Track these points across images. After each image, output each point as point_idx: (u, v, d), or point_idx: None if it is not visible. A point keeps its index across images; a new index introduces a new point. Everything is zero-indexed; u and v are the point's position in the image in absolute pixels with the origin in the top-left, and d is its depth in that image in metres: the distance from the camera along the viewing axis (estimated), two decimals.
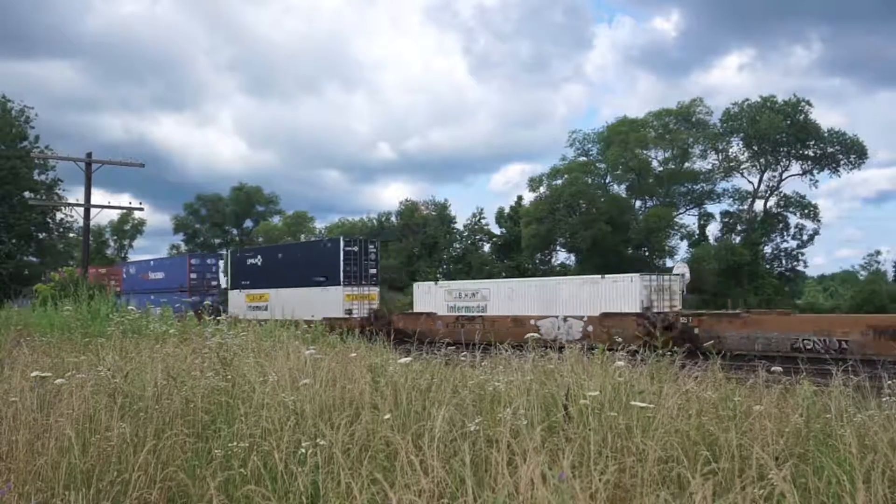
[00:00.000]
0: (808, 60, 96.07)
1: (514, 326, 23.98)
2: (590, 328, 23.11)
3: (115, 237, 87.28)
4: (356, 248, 32.83)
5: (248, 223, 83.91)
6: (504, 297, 28.06)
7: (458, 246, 69.31)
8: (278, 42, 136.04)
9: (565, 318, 24.10)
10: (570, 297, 25.62)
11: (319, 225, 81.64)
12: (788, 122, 51.72)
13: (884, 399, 4.71)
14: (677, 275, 25.99)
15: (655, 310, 22.99)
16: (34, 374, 5.36)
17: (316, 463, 3.58)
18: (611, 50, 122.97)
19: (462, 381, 5.22)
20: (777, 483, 2.89)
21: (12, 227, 50.27)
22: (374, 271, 33.33)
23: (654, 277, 24.92)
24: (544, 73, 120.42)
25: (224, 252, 54.15)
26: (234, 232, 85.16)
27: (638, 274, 25.09)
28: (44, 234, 55.66)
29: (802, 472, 3.51)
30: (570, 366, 5.30)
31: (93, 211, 32.20)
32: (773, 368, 5.70)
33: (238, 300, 37.63)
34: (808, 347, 15.17)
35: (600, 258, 54.29)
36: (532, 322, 24.70)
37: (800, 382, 4.89)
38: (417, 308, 31.11)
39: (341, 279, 31.95)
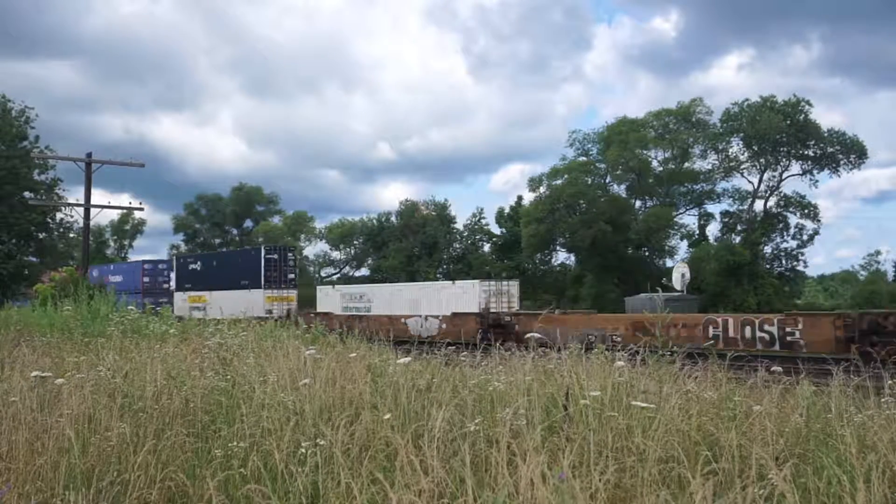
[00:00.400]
0: (807, 60, 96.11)
1: (389, 324, 27.48)
2: (443, 325, 26.86)
3: (115, 237, 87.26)
4: (276, 256, 37.14)
5: (248, 223, 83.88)
6: (383, 299, 33.33)
7: (458, 246, 69.28)
8: (278, 42, 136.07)
9: (426, 318, 27.99)
10: (430, 300, 30.81)
11: (319, 225, 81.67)
12: (788, 122, 51.69)
13: (884, 399, 4.71)
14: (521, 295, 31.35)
15: (493, 310, 27.63)
16: (34, 373, 5.36)
17: (316, 463, 3.58)
18: (610, 50, 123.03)
19: (462, 380, 5.21)
20: (777, 483, 2.89)
21: (12, 227, 50.18)
22: (292, 276, 37.92)
23: (492, 283, 30.56)
24: (544, 73, 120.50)
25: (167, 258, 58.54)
26: (234, 232, 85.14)
27: (478, 280, 31.14)
28: (44, 234, 55.55)
29: (802, 472, 3.51)
30: (569, 366, 5.30)
31: (93, 211, 32.24)
32: (773, 368, 5.71)
33: (181, 301, 40.87)
34: (592, 340, 19.22)
35: (600, 258, 54.27)
36: (402, 321, 28.48)
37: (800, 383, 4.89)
38: (320, 308, 36.14)
39: (262, 283, 36.21)
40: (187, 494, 3.80)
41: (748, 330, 18.27)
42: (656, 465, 3.44)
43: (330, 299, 36.44)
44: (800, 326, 17.36)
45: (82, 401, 4.75)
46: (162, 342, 9.11)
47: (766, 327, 17.93)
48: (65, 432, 4.18)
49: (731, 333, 18.45)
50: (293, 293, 37.06)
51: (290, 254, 38.68)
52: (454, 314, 27.22)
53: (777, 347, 17.49)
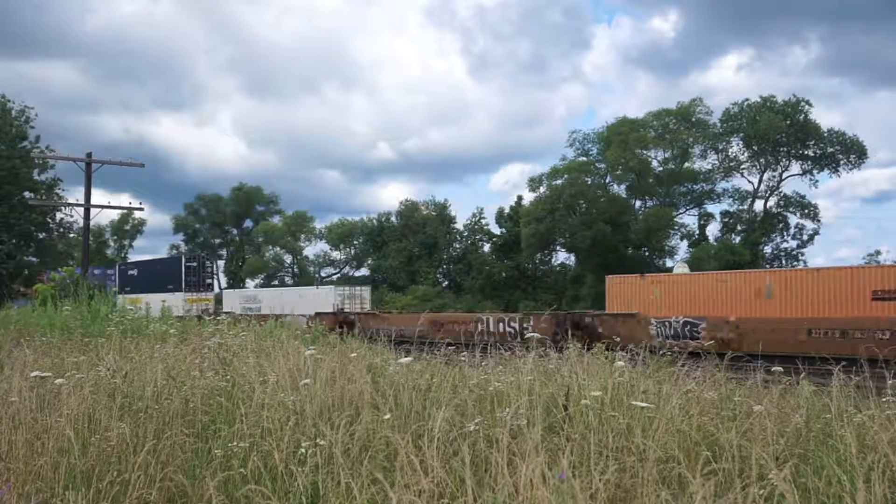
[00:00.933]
0: (806, 60, 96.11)
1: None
2: (309, 323, 33.33)
3: (115, 237, 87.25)
4: (195, 264, 43.58)
5: (248, 223, 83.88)
6: (269, 300, 40.14)
7: (457, 246, 69.30)
8: (277, 42, 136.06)
9: (298, 316, 33.95)
10: (303, 301, 38.10)
11: (319, 225, 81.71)
12: (788, 122, 51.73)
13: (884, 399, 4.70)
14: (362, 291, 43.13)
15: (347, 310, 35.07)
16: (34, 374, 5.36)
17: (316, 463, 3.58)
18: (610, 50, 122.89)
19: (462, 380, 5.21)
20: (777, 483, 2.89)
21: (12, 227, 50.21)
22: (210, 281, 44.76)
23: (346, 288, 39.68)
24: (543, 73, 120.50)
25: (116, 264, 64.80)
26: (234, 232, 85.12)
27: (333, 286, 40.44)
28: (44, 234, 55.60)
29: (803, 472, 3.51)
30: (570, 366, 5.31)
31: (93, 211, 32.25)
32: (773, 368, 5.71)
33: (123, 304, 45.24)
34: (404, 333, 23.24)
35: (600, 258, 54.25)
36: (282, 318, 33.14)
37: (799, 383, 4.90)
38: (225, 307, 43.25)
39: (183, 287, 42.34)
40: (187, 494, 3.80)
41: (501, 325, 23.73)
42: (656, 465, 3.44)
43: (232, 300, 45.09)
44: (531, 322, 23.16)
45: (82, 401, 4.74)
46: (162, 342, 9.10)
47: (512, 323, 23.65)
48: (64, 432, 4.18)
49: (491, 328, 23.76)
50: (210, 295, 43.23)
51: (207, 262, 45.30)
52: (317, 313, 33.50)
53: (519, 338, 22.17)
